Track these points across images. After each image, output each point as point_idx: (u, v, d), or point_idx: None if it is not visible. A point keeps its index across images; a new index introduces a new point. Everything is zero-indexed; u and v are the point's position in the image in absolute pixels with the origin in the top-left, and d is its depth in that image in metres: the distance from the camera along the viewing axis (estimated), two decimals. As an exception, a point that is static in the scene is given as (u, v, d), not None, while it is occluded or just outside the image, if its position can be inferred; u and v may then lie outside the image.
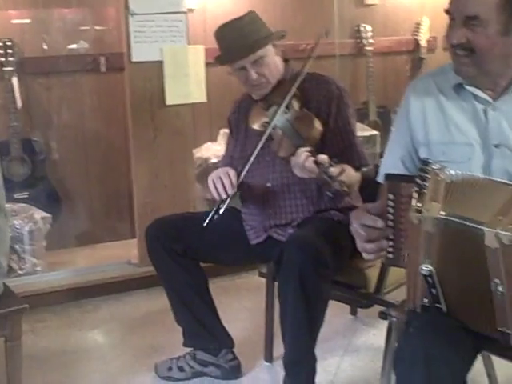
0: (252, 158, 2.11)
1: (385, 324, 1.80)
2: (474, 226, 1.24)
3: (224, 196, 2.04)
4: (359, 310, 2.75)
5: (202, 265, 2.31)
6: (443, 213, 1.28)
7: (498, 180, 1.35)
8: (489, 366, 2.15)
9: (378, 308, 1.86)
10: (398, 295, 1.95)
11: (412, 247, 1.34)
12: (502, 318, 1.28)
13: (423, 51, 3.95)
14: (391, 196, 1.36)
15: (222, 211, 2.03)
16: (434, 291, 1.35)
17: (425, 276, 1.33)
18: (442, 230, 1.29)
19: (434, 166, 1.34)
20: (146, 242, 2.25)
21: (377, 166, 1.85)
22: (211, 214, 2.03)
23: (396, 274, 2.05)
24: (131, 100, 3.03)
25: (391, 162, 1.67)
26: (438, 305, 1.36)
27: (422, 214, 1.29)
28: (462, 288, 1.33)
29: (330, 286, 1.97)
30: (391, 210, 1.37)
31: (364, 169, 2.23)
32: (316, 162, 1.86)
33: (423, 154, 1.59)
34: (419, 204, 1.30)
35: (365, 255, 1.42)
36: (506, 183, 1.34)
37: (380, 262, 1.96)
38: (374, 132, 3.25)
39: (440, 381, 1.27)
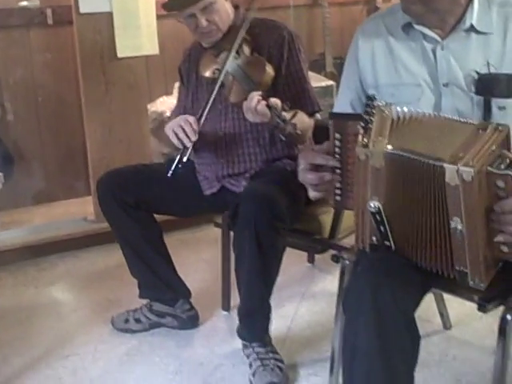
0: (209, 105, 2.07)
1: (336, 272, 1.82)
2: (433, 162, 1.22)
3: (188, 143, 2.00)
4: (317, 257, 2.77)
5: (161, 218, 2.28)
6: (390, 147, 1.27)
7: (450, 117, 1.34)
8: (441, 305, 2.19)
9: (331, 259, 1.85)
10: (352, 240, 1.89)
11: (359, 185, 1.32)
12: (461, 257, 1.27)
13: (379, 0, 3.91)
14: (338, 135, 1.34)
15: (185, 159, 1.99)
16: (382, 229, 1.33)
17: (372, 213, 1.31)
18: (390, 166, 1.27)
19: (379, 103, 1.32)
20: (97, 194, 2.21)
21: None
22: (175, 163, 1.98)
23: (350, 219, 1.99)
24: (81, 54, 2.93)
25: (342, 106, 1.65)
26: (386, 243, 1.35)
27: (369, 148, 1.27)
28: (412, 225, 1.32)
29: (286, 235, 1.96)
30: (338, 150, 1.35)
31: (318, 116, 2.22)
32: (268, 106, 1.83)
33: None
34: (365, 139, 1.28)
35: (311, 195, 1.41)
36: (461, 121, 1.33)
37: (332, 212, 2.02)
38: (331, 82, 3.21)
39: (388, 318, 1.27)
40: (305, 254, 2.78)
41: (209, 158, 2.18)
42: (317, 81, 3.16)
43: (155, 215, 2.24)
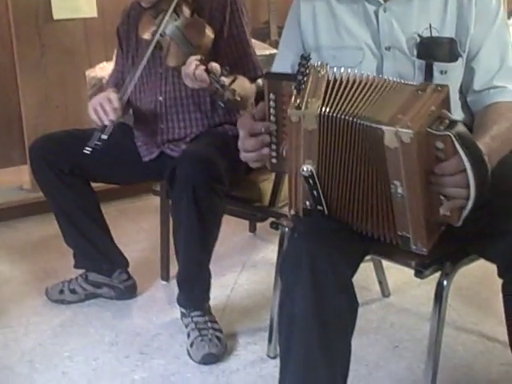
0: (139, 71, 1.98)
1: (276, 240, 1.79)
2: (370, 124, 1.19)
3: (106, 122, 1.92)
4: (258, 227, 2.75)
5: (99, 187, 2.20)
6: (324, 109, 1.23)
7: (390, 78, 1.29)
8: (380, 272, 2.19)
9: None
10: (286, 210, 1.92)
11: (292, 148, 1.28)
12: (403, 222, 1.25)
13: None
14: (272, 96, 1.29)
15: (105, 137, 1.91)
16: (315, 193, 1.30)
17: (305, 177, 1.28)
18: (324, 129, 1.24)
19: (314, 63, 1.28)
20: (30, 160, 2.11)
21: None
22: (92, 141, 1.91)
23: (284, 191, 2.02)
24: (14, 14, 2.81)
25: (281, 68, 1.59)
26: (319, 207, 1.32)
27: (301, 110, 1.22)
28: (349, 190, 1.29)
29: (225, 201, 1.91)
30: (272, 111, 1.30)
31: (260, 82, 2.13)
32: (207, 71, 1.76)
33: (314, 59, 1.49)
34: (298, 101, 1.23)
35: (250, 164, 1.36)
36: (401, 82, 1.29)
37: (273, 176, 2.00)
38: (275, 51, 3.07)
39: (325, 284, 1.24)
40: (246, 224, 2.75)
41: (148, 123, 2.11)
42: (261, 49, 3.05)
43: (92, 183, 2.17)
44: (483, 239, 1.34)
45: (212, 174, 1.80)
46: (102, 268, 2.22)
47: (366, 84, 1.27)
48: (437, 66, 1.43)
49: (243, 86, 1.90)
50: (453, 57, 1.43)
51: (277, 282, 1.83)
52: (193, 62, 1.79)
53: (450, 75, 1.44)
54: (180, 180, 1.79)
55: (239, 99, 1.74)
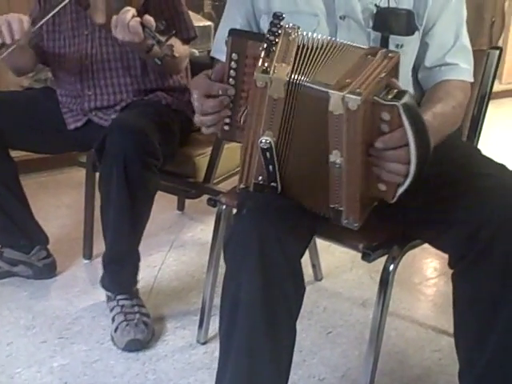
0: (52, 12, 1.78)
1: (213, 218, 1.70)
2: (320, 89, 1.11)
3: (8, 40, 1.70)
4: (187, 205, 2.64)
5: (19, 158, 2.01)
6: (293, 76, 1.14)
7: (344, 42, 1.23)
8: (314, 255, 2.12)
9: (205, 202, 1.73)
10: (228, 185, 1.84)
11: (252, 116, 1.18)
12: (336, 194, 1.20)
13: None
14: (234, 56, 1.19)
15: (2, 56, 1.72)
16: (270, 168, 1.22)
17: (263, 150, 1.19)
18: (289, 97, 1.15)
19: (286, 25, 1.19)
20: None
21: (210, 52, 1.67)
22: None
23: (227, 163, 1.97)
24: None
25: (226, 34, 1.46)
26: (273, 184, 1.24)
27: (269, 75, 1.13)
28: (300, 164, 1.22)
29: (159, 177, 1.79)
30: (232, 73, 1.21)
31: (195, 52, 2.16)
32: (142, 24, 1.63)
33: (265, 24, 1.42)
34: (266, 64, 1.14)
35: (203, 129, 1.26)
36: (352, 45, 1.22)
37: (210, 151, 1.93)
38: (209, 23, 3.06)
39: (274, 267, 1.16)
40: (174, 201, 2.63)
41: (73, 88, 1.95)
42: (195, 20, 2.98)
43: (11, 152, 1.97)
44: (432, 226, 1.29)
45: (145, 147, 1.68)
46: (18, 244, 2.04)
47: (329, 49, 1.21)
48: (392, 39, 1.36)
49: (177, 46, 1.79)
50: (410, 30, 1.37)
51: (212, 263, 1.72)
52: (130, 11, 1.65)
53: (406, 49, 1.38)
54: (110, 152, 1.66)
55: (177, 56, 1.67)
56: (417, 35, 1.39)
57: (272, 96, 1.15)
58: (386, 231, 1.42)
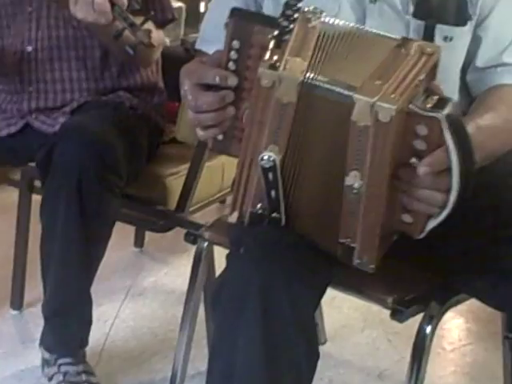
0: None
1: (182, 258, 1.82)
2: (342, 92, 1.12)
3: None
4: (147, 240, 2.66)
5: None
6: (309, 75, 1.15)
7: (378, 32, 1.24)
8: (316, 312, 2.11)
9: (173, 237, 1.74)
10: (206, 217, 1.86)
11: (253, 124, 1.19)
12: (349, 227, 1.20)
13: None
14: (236, 43, 1.19)
15: None
16: (273, 193, 1.21)
17: (264, 169, 1.19)
18: (302, 102, 1.16)
19: (305, 7, 1.20)
20: None
21: (185, 43, 1.72)
22: None
23: (207, 187, 2.01)
24: None
25: (218, 19, 1.46)
26: (275, 214, 1.24)
27: (278, 71, 1.13)
28: (310, 189, 1.24)
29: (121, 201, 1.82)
30: (232, 66, 1.21)
31: (166, 41, 2.17)
32: (111, 3, 1.67)
33: (269, 10, 1.42)
34: (276, 57, 1.14)
35: (199, 133, 1.26)
36: (378, 33, 1.24)
37: (185, 170, 1.95)
38: (179, 4, 3.15)
39: (280, 317, 1.17)
40: (131, 235, 2.64)
41: (9, 83, 2.00)
42: None
43: None
44: (484, 276, 1.30)
45: (106, 160, 1.70)
46: None
47: (355, 39, 1.22)
48: (440, 30, 1.37)
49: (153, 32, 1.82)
50: (461, 19, 1.38)
51: (186, 317, 1.71)
52: None
53: (456, 44, 1.39)
54: (59, 167, 1.69)
55: (155, 45, 1.71)
56: (469, 26, 1.40)
57: (280, 100, 1.15)
58: (421, 280, 1.43)
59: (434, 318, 1.41)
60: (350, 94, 1.11)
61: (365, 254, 1.21)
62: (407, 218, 1.18)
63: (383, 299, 1.39)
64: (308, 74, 1.14)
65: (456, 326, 2.31)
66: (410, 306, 1.39)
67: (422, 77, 1.15)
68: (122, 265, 2.53)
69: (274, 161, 1.17)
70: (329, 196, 1.21)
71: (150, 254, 2.65)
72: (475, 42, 1.43)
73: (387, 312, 1.41)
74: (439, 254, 1.29)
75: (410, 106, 1.12)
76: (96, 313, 2.10)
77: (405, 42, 1.22)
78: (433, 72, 1.21)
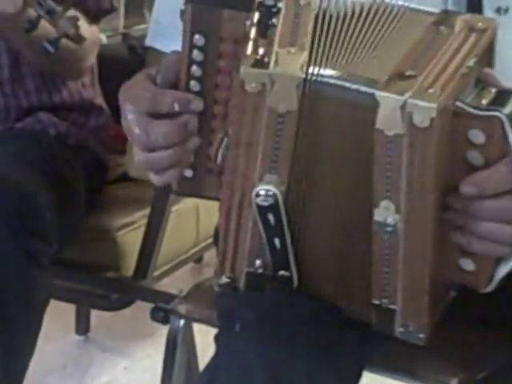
0: None
1: (147, 346, 1.90)
2: (360, 88, 1.14)
3: None
4: (95, 323, 2.69)
5: None
6: (312, 69, 1.17)
7: (405, 4, 1.26)
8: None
9: (132, 316, 1.73)
10: (177, 283, 1.93)
11: (239, 147, 1.21)
12: (384, 282, 1.22)
13: None
14: (199, 38, 1.22)
15: None
16: (277, 242, 1.23)
17: (262, 209, 1.20)
18: (306, 109, 1.17)
19: None
20: None
21: (128, 38, 1.92)
22: None
23: (174, 242, 2.05)
24: None
25: (175, 1, 1.50)
26: (283, 272, 1.25)
27: (269, 69, 1.15)
28: (327, 232, 1.25)
29: (52, 275, 1.84)
30: (197, 72, 1.23)
31: (103, 38, 2.23)
32: None
33: None
34: (262, 50, 1.16)
35: (153, 178, 1.29)
36: (420, 10, 1.26)
37: (144, 219, 1.98)
38: None
39: None
40: (71, 318, 2.66)
41: None
42: None
43: None
44: None
45: (25, 221, 1.74)
46: None
47: (371, 17, 1.25)
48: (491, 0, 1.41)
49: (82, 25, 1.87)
50: None
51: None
52: None
53: None
54: None
55: (86, 39, 1.77)
56: None
57: (275, 109, 1.16)
58: (495, 351, 1.44)
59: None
60: (372, 91, 1.13)
61: (410, 319, 1.23)
62: (467, 263, 1.20)
63: (445, 382, 1.41)
64: (310, 69, 1.16)
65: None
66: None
67: (471, 62, 1.17)
68: (61, 361, 2.56)
69: (274, 196, 1.19)
70: (353, 240, 1.23)
71: (100, 342, 2.67)
72: None
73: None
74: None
75: (458, 103, 1.13)
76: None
77: (445, 16, 1.25)
78: (487, 55, 1.23)
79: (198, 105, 1.23)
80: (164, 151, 1.23)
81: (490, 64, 1.24)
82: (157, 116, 1.24)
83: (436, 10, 1.27)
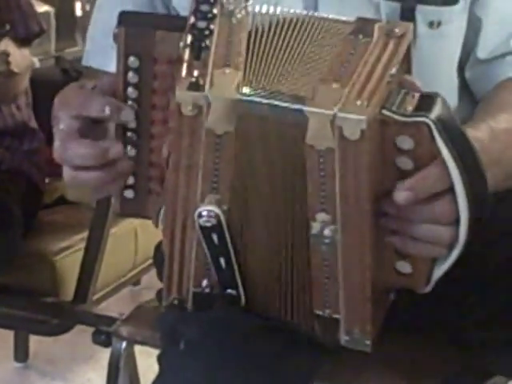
0: None
1: (87, 370, 1.90)
2: (289, 106, 1.14)
3: None
4: (34, 350, 2.67)
5: None
6: (247, 89, 1.17)
7: (325, 16, 1.27)
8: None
9: (71, 341, 1.75)
10: (116, 306, 1.95)
11: (180, 170, 1.21)
12: (325, 291, 1.22)
13: None
14: (133, 61, 1.22)
15: None
16: (222, 261, 1.24)
17: (205, 230, 1.20)
18: (242, 128, 1.18)
19: None
20: None
21: (61, 61, 1.88)
22: None
23: (113, 266, 2.05)
24: None
25: (110, 20, 1.49)
26: (230, 291, 1.26)
27: (205, 91, 1.15)
28: (268, 246, 1.25)
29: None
30: (132, 94, 1.23)
31: (36, 62, 2.18)
32: None
33: (180, 2, 1.48)
34: (197, 72, 1.16)
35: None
36: (338, 20, 1.27)
37: (82, 243, 1.98)
38: (45, 7, 3.22)
39: None
40: (9, 345, 2.64)
41: None
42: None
43: None
44: None
45: None
46: None
47: (297, 30, 1.25)
48: (422, 13, 1.42)
49: (14, 54, 1.89)
50: None
51: None
52: None
53: (446, 30, 1.44)
54: None
55: (17, 71, 1.78)
56: (462, 5, 1.45)
57: (213, 130, 1.17)
58: (438, 359, 1.45)
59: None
60: (300, 107, 1.13)
61: (355, 327, 1.23)
62: (404, 266, 1.20)
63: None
64: (244, 89, 1.17)
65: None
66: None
67: (393, 69, 1.17)
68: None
69: (216, 216, 1.19)
70: (292, 254, 1.23)
71: (40, 368, 2.65)
72: (473, 25, 1.48)
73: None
74: (455, 317, 1.34)
75: (384, 111, 1.14)
76: None
77: (362, 24, 1.25)
78: (406, 61, 1.24)
79: (128, 115, 1.22)
80: (85, 172, 1.22)
81: (409, 66, 1.25)
82: (83, 135, 1.21)
83: (351, 19, 1.27)
